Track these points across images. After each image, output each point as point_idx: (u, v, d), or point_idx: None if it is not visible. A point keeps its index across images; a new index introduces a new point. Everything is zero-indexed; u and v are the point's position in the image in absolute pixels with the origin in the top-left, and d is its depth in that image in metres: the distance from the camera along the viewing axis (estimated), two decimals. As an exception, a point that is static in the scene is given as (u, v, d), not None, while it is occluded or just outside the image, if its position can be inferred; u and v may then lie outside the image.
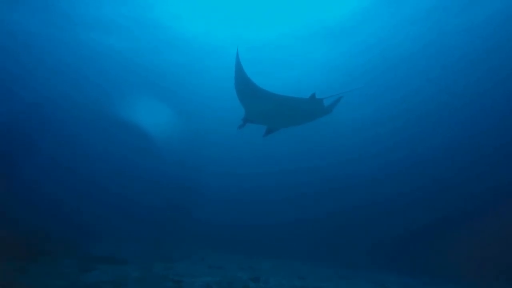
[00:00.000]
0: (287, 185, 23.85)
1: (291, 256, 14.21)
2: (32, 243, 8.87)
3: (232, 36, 18.13)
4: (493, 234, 14.33)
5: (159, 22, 17.20)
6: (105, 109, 23.43)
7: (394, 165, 22.63)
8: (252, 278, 8.35)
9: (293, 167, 24.28)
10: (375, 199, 20.63)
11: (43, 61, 20.11)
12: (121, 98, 22.70)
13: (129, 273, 7.86)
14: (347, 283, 8.90)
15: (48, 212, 14.62)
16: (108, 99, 22.90)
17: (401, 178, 21.84)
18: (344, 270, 11.82)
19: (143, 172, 24.14)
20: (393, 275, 11.48)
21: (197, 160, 25.12)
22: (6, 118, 21.54)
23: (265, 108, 6.81)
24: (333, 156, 23.34)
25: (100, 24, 17.20)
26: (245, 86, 6.41)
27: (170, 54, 19.81)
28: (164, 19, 16.87)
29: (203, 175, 24.13)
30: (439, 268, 13.50)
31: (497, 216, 15.24)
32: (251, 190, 23.26)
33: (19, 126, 21.55)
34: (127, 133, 24.72)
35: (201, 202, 20.87)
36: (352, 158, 23.10)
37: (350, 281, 9.23)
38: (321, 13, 16.14)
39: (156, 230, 16.42)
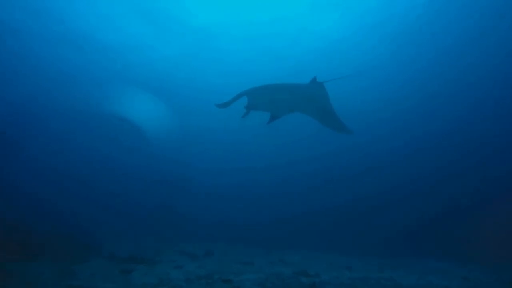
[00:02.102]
0: (293, 177, 23.74)
1: (314, 248, 13.99)
2: (48, 246, 8.41)
3: (225, 28, 17.86)
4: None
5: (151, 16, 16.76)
6: (93, 108, 23.14)
7: (412, 147, 22.56)
8: (298, 272, 8.12)
9: (299, 158, 24.05)
10: (387, 186, 20.58)
11: (27, 60, 19.38)
12: (109, 95, 22.09)
13: (169, 273, 7.56)
14: (406, 272, 8.71)
15: (47, 214, 14.12)
16: (95, 96, 22.34)
17: (417, 162, 21.79)
18: (384, 259, 11.67)
19: (136, 170, 23.78)
20: (435, 261, 11.38)
21: (191, 157, 25.00)
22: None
23: (269, 98, 7.05)
24: (338, 142, 23.15)
25: (88, 18, 16.64)
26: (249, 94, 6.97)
27: (159, 48, 19.38)
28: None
29: (196, 171, 23.98)
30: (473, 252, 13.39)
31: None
32: (253, 184, 23.09)
33: (6, 128, 20.83)
34: (117, 130, 24.15)
35: (196, 198, 20.75)
36: (361, 143, 22.96)
37: (406, 270, 9.08)
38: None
39: (158, 227, 16.11)
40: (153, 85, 22.43)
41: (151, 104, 22.79)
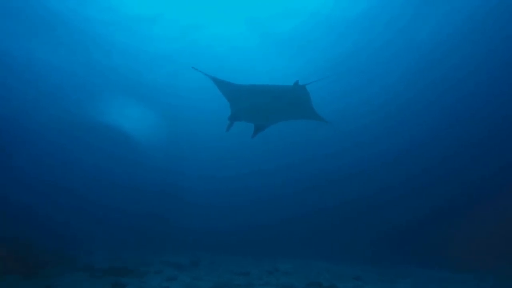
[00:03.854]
0: (277, 183, 23.19)
1: (301, 255, 13.34)
2: (22, 257, 7.03)
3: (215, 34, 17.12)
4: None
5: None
6: (80, 116, 21.43)
7: (388, 154, 22.53)
8: (311, 283, 7.33)
9: (281, 165, 23.56)
10: (370, 191, 20.40)
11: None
12: (96, 102, 20.90)
13: (168, 286, 6.52)
14: (420, 282, 8.17)
15: (27, 223, 12.61)
16: (82, 104, 20.97)
17: (398, 167, 21.80)
18: (379, 268, 11.22)
19: (125, 179, 22.65)
20: (430, 269, 11.07)
21: (182, 165, 23.89)
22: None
23: (251, 101, 6.82)
24: (322, 150, 22.86)
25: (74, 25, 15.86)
26: (226, 89, 6.77)
27: (149, 53, 18.50)
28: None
29: (187, 180, 23.13)
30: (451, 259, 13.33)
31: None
32: (240, 192, 22.45)
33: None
34: (106, 139, 22.79)
35: (192, 207, 19.95)
36: (340, 151, 22.75)
37: (417, 280, 8.59)
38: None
39: (141, 236, 14.87)
40: (141, 93, 21.27)
41: (140, 112, 21.62)
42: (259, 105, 6.80)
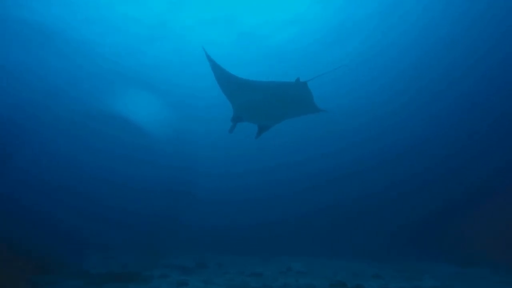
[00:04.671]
0: (285, 180, 22.76)
1: (309, 254, 12.79)
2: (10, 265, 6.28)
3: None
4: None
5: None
6: (87, 113, 20.78)
7: (393, 151, 22.19)
8: (336, 283, 6.66)
9: (291, 161, 23.16)
10: (379, 189, 20.08)
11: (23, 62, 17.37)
12: (105, 99, 20.12)
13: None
14: (445, 280, 7.62)
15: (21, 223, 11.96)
16: (89, 101, 20.25)
17: (407, 164, 21.45)
18: (392, 264, 10.70)
19: (119, 175, 21.95)
20: (447, 265, 10.59)
21: (190, 162, 23.30)
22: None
23: (252, 98, 6.54)
24: (330, 146, 22.49)
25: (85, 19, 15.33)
26: (226, 81, 6.49)
27: (159, 49, 17.88)
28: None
29: (196, 177, 22.59)
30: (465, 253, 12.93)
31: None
32: (249, 189, 22.03)
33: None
34: (101, 138, 22.17)
35: (194, 205, 19.40)
36: (350, 145, 22.40)
37: (438, 276, 8.09)
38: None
39: (142, 236, 14.21)
40: (151, 91, 20.58)
41: (152, 105, 21.08)
42: (260, 102, 6.50)
